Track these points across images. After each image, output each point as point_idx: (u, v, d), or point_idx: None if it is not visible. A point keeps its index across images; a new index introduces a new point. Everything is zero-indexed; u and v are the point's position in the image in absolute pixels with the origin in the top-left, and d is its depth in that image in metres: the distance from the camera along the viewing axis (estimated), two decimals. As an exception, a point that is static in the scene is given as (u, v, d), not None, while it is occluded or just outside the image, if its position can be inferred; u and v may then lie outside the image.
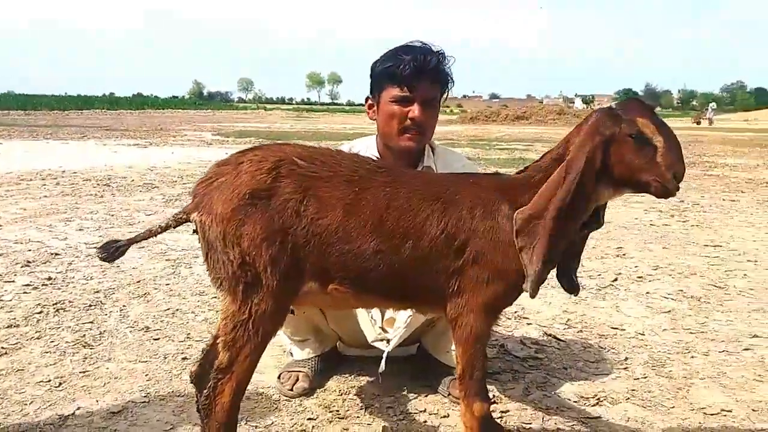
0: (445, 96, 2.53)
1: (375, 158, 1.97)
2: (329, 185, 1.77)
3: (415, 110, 2.38)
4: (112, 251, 1.74)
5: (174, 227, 1.81)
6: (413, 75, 2.35)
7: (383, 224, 1.78)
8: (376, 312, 2.68)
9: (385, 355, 2.59)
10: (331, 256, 1.77)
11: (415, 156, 2.56)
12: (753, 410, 2.60)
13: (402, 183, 1.86)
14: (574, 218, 1.81)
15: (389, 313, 2.66)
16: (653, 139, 1.74)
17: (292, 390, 2.60)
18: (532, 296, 1.82)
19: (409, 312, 2.54)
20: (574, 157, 1.77)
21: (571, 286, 2.01)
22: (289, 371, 2.70)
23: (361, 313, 2.66)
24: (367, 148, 2.61)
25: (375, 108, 2.53)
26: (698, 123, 42.48)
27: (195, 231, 1.77)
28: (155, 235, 1.83)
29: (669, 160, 1.73)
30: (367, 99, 2.57)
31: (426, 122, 2.43)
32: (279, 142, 1.97)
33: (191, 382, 2.05)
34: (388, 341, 2.63)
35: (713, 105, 51.80)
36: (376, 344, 2.66)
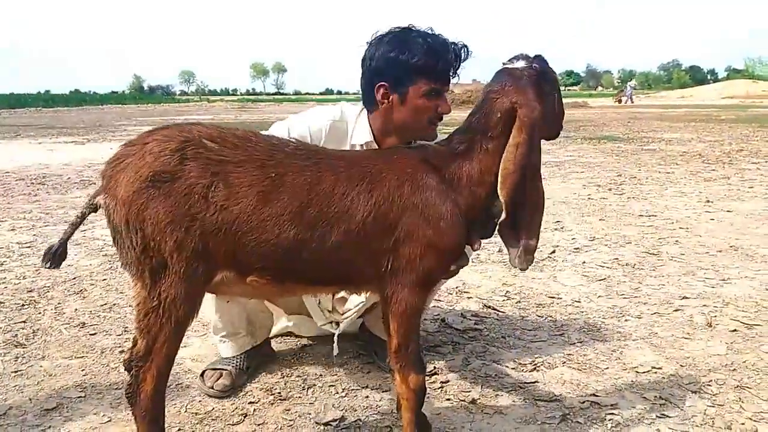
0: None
1: (294, 140, 1.88)
2: (241, 170, 1.68)
3: (445, 104, 2.30)
4: (52, 257, 1.69)
5: (89, 213, 1.74)
6: (448, 72, 2.29)
7: (305, 211, 1.70)
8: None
9: (336, 339, 2.58)
10: (246, 247, 1.69)
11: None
12: (681, 366, 2.72)
13: (324, 165, 1.78)
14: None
15: (338, 293, 2.62)
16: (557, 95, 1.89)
17: (212, 388, 2.50)
18: (524, 270, 1.87)
19: (362, 296, 2.53)
20: (531, 121, 1.75)
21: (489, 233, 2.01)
22: (213, 369, 2.60)
23: (307, 297, 2.63)
24: (362, 129, 2.44)
25: (393, 97, 2.31)
26: (619, 102, 43.57)
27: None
28: (77, 227, 1.76)
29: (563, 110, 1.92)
30: (380, 86, 2.32)
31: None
32: (191, 122, 1.88)
33: (125, 369, 1.99)
34: (338, 323, 2.63)
35: (632, 84, 52.46)
36: (326, 327, 2.64)
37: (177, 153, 1.64)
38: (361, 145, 2.41)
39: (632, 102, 43.11)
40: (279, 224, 1.68)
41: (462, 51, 2.29)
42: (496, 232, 1.98)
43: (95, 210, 1.73)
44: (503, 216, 1.80)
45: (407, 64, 2.24)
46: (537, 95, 1.81)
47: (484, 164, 1.84)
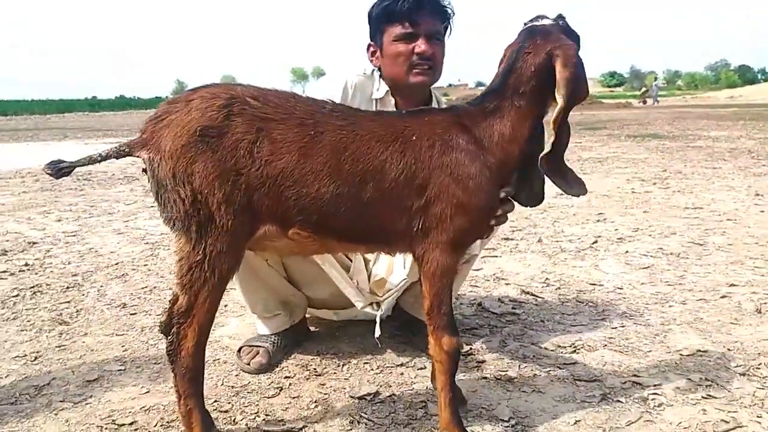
0: (449, 31, 2.47)
1: (331, 102, 1.91)
2: (283, 127, 1.72)
3: (421, 44, 2.33)
4: (56, 170, 1.69)
5: (115, 158, 1.75)
6: (413, 9, 2.31)
7: (341, 167, 1.74)
8: (359, 274, 2.63)
9: (378, 320, 2.56)
10: (288, 200, 1.73)
11: (426, 96, 2.56)
12: (728, 350, 2.62)
13: (358, 125, 1.81)
14: None
15: (377, 274, 2.60)
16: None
17: (249, 365, 2.50)
18: (582, 195, 1.89)
19: (402, 276, 2.53)
20: (573, 55, 1.77)
21: (534, 199, 1.99)
22: (249, 345, 2.61)
23: (341, 281, 2.61)
24: (381, 85, 2.53)
25: (378, 53, 2.48)
26: (644, 102, 42.55)
27: (144, 170, 1.72)
28: (97, 162, 1.76)
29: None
30: (369, 46, 2.52)
31: (434, 55, 2.39)
32: (230, 82, 1.88)
33: (161, 332, 2.00)
34: (378, 305, 2.61)
35: (658, 83, 50.81)
36: (367, 310, 2.62)
37: (224, 109, 1.67)
38: (377, 100, 2.50)
39: (657, 102, 41.97)
40: (318, 179, 1.72)
41: None
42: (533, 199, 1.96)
43: (121, 156, 1.72)
44: (548, 148, 1.81)
45: (373, 16, 2.37)
46: (574, 65, 1.78)
47: (516, 122, 1.84)
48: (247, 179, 1.68)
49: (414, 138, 1.82)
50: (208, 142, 1.65)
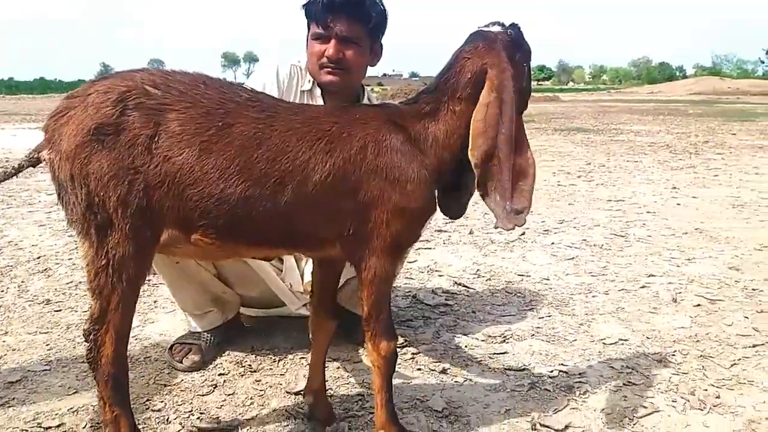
0: (378, 31, 2.43)
1: (250, 89, 1.79)
2: (185, 118, 1.58)
3: (330, 48, 2.33)
4: None
5: (29, 167, 1.66)
6: (325, 12, 2.30)
7: (253, 166, 1.61)
8: (291, 274, 2.62)
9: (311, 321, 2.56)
10: (189, 201, 1.60)
11: (355, 93, 2.56)
12: (647, 338, 2.78)
13: (278, 119, 1.67)
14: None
15: (308, 275, 2.56)
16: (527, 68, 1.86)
17: (181, 362, 2.46)
18: (508, 230, 1.78)
19: None
20: (502, 81, 1.71)
21: (458, 211, 1.95)
22: (181, 343, 2.56)
23: (273, 280, 2.59)
24: (306, 79, 2.52)
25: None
26: None
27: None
28: (10, 177, 1.68)
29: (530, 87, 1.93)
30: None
31: (344, 60, 2.36)
32: (135, 69, 1.71)
33: (85, 340, 1.93)
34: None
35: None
36: (301, 311, 2.60)
37: (119, 104, 1.56)
38: (305, 92, 2.51)
39: None
40: (224, 178, 1.59)
41: None
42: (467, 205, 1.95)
43: (35, 164, 1.64)
44: (475, 179, 1.75)
45: (304, 11, 2.39)
46: (509, 60, 1.76)
47: (451, 126, 1.78)
48: (145, 179, 1.57)
49: (343, 137, 1.72)
50: (103, 140, 1.54)
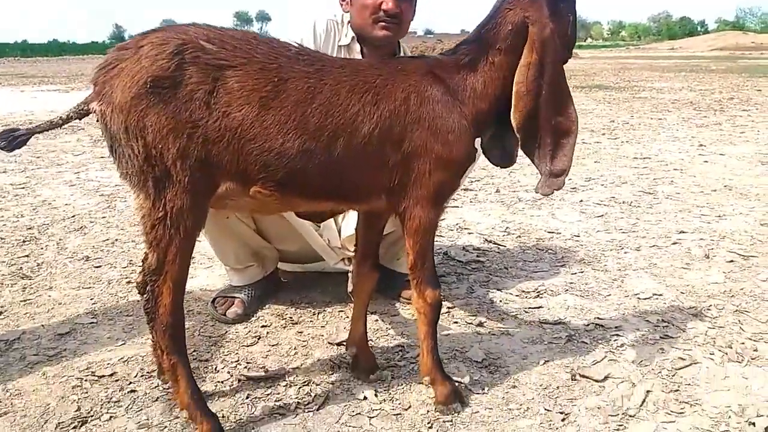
0: None
1: (297, 44, 1.78)
2: (242, 74, 1.59)
3: (389, 2, 2.31)
4: (10, 140, 1.57)
5: (77, 119, 1.65)
6: None
7: (308, 120, 1.63)
8: (329, 231, 2.65)
9: (350, 276, 2.59)
10: (249, 155, 1.62)
11: (393, 48, 2.54)
12: (681, 293, 2.79)
13: (327, 73, 1.69)
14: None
15: (347, 229, 2.59)
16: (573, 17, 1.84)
17: (225, 315, 2.52)
18: (546, 195, 1.83)
19: None
20: (543, 41, 1.71)
21: (506, 159, 1.96)
22: (224, 296, 2.62)
23: (311, 236, 2.62)
24: (343, 33, 2.53)
25: (348, 0, 2.46)
26: None
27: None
28: (57, 126, 1.67)
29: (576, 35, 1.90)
30: None
31: (400, 13, 2.36)
32: (186, 23, 1.71)
33: (139, 292, 1.98)
34: (350, 260, 2.62)
35: None
36: (338, 266, 2.65)
37: (175, 57, 1.55)
38: (343, 47, 2.51)
39: None
40: (282, 132, 1.62)
41: None
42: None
43: (84, 116, 1.64)
44: (519, 139, 1.78)
45: None
46: (552, 13, 1.75)
47: (489, 78, 1.79)
48: (204, 133, 1.58)
49: (387, 89, 1.74)
50: (160, 93, 1.53)
